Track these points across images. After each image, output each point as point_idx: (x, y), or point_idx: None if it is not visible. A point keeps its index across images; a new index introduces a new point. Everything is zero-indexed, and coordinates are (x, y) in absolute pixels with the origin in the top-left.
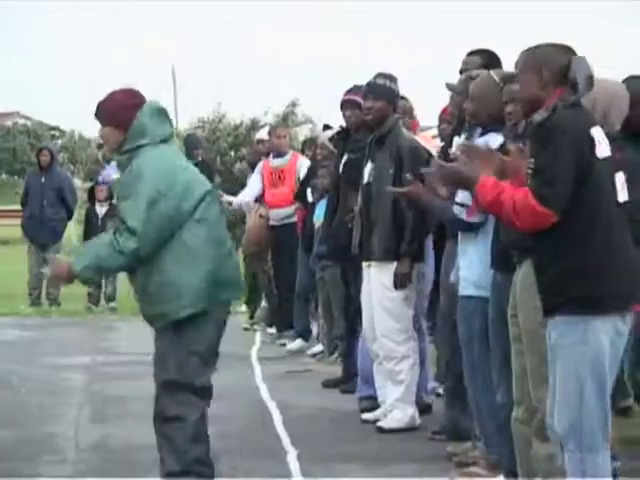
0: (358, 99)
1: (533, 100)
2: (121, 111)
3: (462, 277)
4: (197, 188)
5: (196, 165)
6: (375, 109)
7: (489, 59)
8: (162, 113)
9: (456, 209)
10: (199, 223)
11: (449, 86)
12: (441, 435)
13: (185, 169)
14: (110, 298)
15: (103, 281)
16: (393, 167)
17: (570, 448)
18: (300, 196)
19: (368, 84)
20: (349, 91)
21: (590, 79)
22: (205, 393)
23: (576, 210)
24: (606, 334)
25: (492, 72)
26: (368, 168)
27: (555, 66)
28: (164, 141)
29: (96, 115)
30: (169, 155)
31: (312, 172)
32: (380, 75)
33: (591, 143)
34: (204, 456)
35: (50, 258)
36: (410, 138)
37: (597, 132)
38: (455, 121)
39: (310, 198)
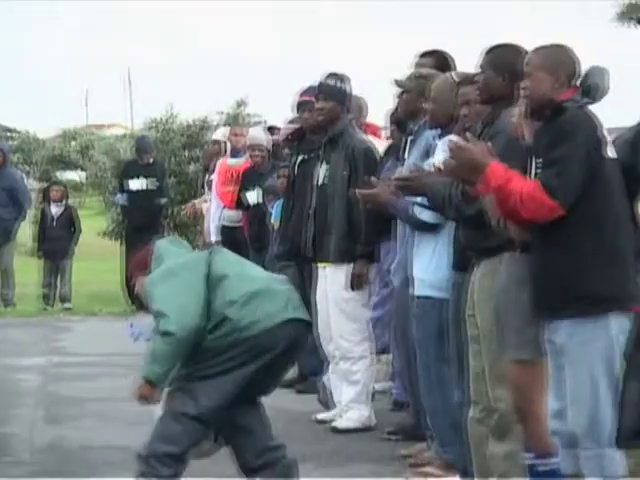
0: (313, 100)
1: (544, 100)
2: (144, 265)
3: (418, 278)
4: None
5: (147, 167)
6: (326, 110)
7: (441, 60)
8: (175, 242)
9: (416, 209)
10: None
11: (398, 83)
12: (397, 435)
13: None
14: (64, 299)
15: (58, 282)
16: (347, 168)
17: (588, 445)
18: (237, 200)
19: (319, 85)
20: (304, 92)
21: (607, 88)
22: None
23: (587, 209)
24: (613, 330)
25: (452, 73)
26: (322, 169)
27: (569, 68)
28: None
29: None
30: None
31: (249, 176)
32: (331, 75)
33: (601, 143)
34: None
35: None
36: (363, 139)
37: (605, 133)
38: (403, 118)
39: (249, 201)
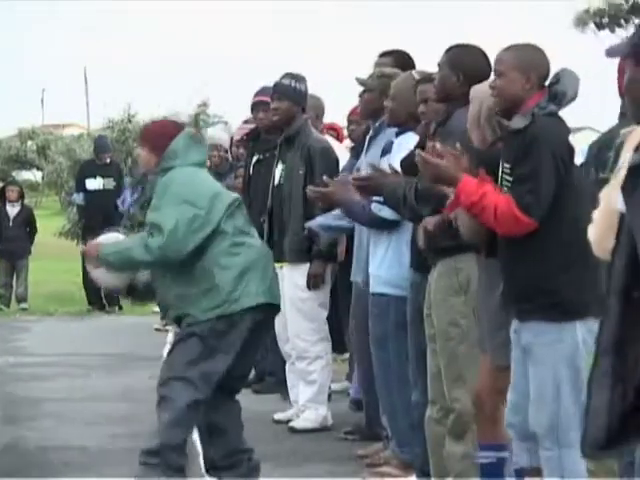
0: (268, 100)
1: (514, 100)
2: (160, 138)
3: (373, 274)
4: (224, 198)
5: (105, 167)
6: (281, 109)
7: (402, 60)
8: (196, 139)
9: (374, 207)
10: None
11: (359, 81)
12: (353, 435)
13: (212, 184)
14: (21, 299)
15: (14, 282)
16: (304, 167)
17: (548, 446)
18: None
19: (274, 84)
20: (259, 92)
21: (575, 95)
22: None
23: (557, 216)
24: (581, 331)
25: (413, 72)
26: (278, 169)
27: (541, 70)
28: (195, 165)
29: (143, 138)
30: (195, 173)
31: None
32: (287, 75)
33: (571, 151)
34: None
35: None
36: (320, 138)
37: (571, 140)
38: (364, 117)
39: None
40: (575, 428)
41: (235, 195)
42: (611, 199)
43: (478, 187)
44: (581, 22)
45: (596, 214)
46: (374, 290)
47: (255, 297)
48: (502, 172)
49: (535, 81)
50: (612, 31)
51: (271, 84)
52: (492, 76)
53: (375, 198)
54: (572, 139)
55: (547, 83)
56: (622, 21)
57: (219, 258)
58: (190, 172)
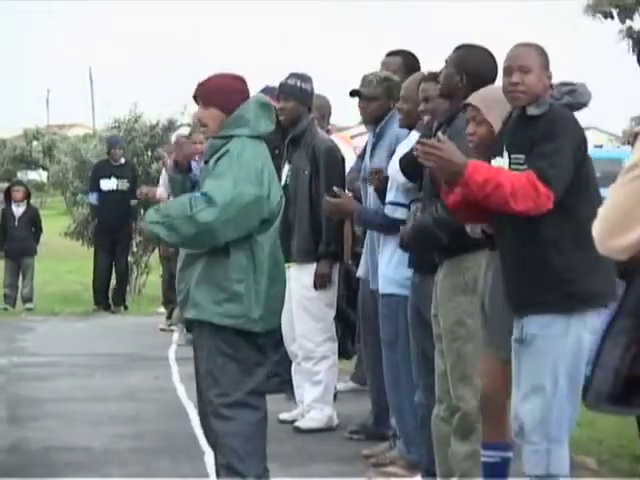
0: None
1: (538, 96)
2: (229, 95)
3: (382, 275)
4: (277, 195)
5: (119, 167)
6: (287, 110)
7: (408, 60)
8: (267, 108)
9: (388, 209)
10: (266, 235)
11: (362, 92)
12: (359, 435)
13: (271, 173)
14: (27, 299)
15: (20, 282)
16: (309, 167)
17: (535, 440)
18: None
19: (280, 85)
20: (260, 92)
21: (586, 102)
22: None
23: (564, 208)
24: (586, 330)
25: (423, 71)
26: (285, 169)
27: (549, 67)
28: (260, 137)
29: (198, 95)
30: (261, 154)
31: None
32: (292, 75)
33: (585, 141)
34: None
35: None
36: (325, 138)
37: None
38: (371, 124)
39: None
40: (565, 425)
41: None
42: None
43: (489, 167)
44: (591, 10)
45: (601, 211)
46: (384, 291)
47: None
48: (510, 164)
49: (544, 75)
50: (622, 22)
51: (272, 84)
52: (514, 72)
53: (388, 200)
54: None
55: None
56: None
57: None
58: (256, 151)
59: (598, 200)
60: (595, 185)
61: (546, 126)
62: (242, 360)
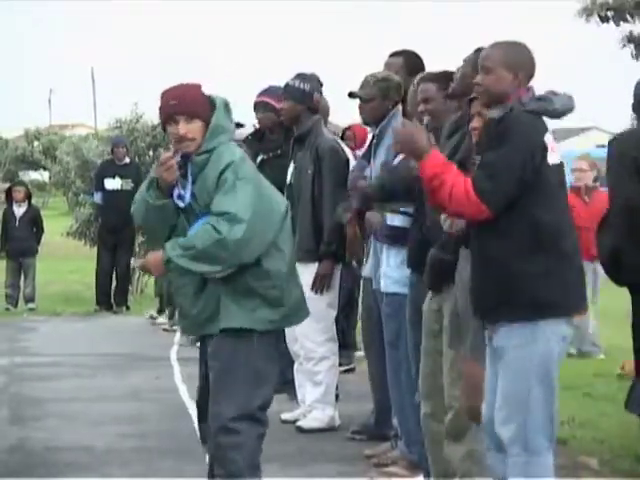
0: (269, 100)
1: (500, 97)
2: (205, 104)
3: (385, 275)
4: (280, 201)
5: (124, 167)
6: (285, 109)
7: (411, 60)
8: (230, 109)
9: (387, 217)
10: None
11: (358, 94)
12: (361, 435)
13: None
14: (29, 299)
15: (22, 282)
16: (312, 167)
17: (514, 452)
18: None
19: (284, 85)
20: (261, 93)
21: (564, 109)
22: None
23: (525, 215)
24: (553, 336)
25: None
26: (290, 169)
27: (528, 69)
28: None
29: (178, 111)
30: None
31: None
32: (295, 75)
33: (544, 150)
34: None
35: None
36: (330, 138)
37: (549, 139)
38: (371, 124)
39: None
40: (544, 435)
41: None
42: None
43: (443, 163)
44: (586, 12)
45: None
46: (387, 290)
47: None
48: (475, 164)
49: (522, 79)
50: (617, 25)
51: (274, 84)
52: (480, 72)
53: (392, 207)
54: (548, 138)
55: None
56: (627, 16)
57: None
58: (244, 155)
59: (563, 207)
60: (560, 192)
61: (497, 132)
62: (261, 371)
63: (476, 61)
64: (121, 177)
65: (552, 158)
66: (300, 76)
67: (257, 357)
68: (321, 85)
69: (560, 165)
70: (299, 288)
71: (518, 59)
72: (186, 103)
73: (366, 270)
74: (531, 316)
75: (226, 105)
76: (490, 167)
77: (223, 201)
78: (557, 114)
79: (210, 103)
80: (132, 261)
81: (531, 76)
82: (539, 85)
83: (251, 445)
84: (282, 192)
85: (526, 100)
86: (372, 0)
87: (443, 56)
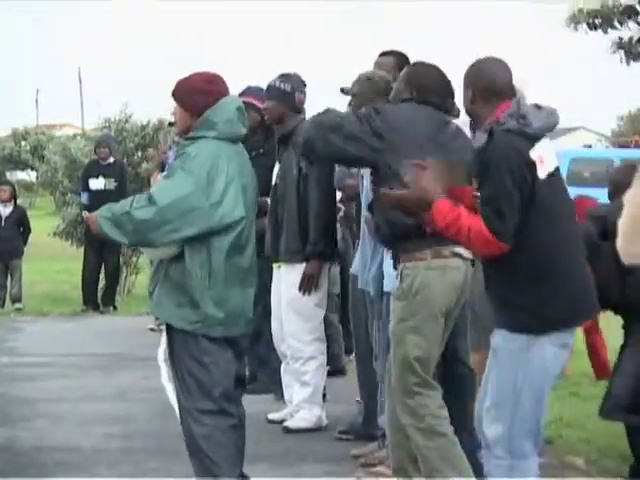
0: (252, 100)
1: (469, 114)
2: (191, 96)
3: (386, 273)
4: (236, 209)
5: (108, 167)
6: (269, 109)
7: (400, 60)
8: (241, 112)
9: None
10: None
11: (345, 90)
12: (348, 435)
13: (230, 178)
14: (15, 299)
15: (8, 282)
16: (297, 167)
17: (499, 454)
18: None
19: (266, 86)
20: (241, 93)
21: (544, 127)
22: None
23: (524, 235)
24: (551, 344)
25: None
26: (276, 169)
27: (480, 84)
28: (231, 140)
29: (172, 92)
30: (225, 156)
31: None
32: (278, 76)
33: (531, 167)
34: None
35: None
36: None
37: (536, 153)
38: None
39: None
40: (529, 439)
41: (243, 214)
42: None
43: (452, 209)
44: (574, 21)
45: (621, 221)
46: (386, 289)
47: None
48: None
49: (478, 95)
50: (605, 32)
51: (252, 85)
52: None
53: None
54: (535, 150)
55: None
56: (616, 23)
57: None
58: (216, 154)
59: (561, 218)
60: (557, 203)
61: (485, 164)
62: (209, 364)
63: (465, 76)
64: (105, 177)
65: (542, 171)
66: (282, 76)
67: (200, 351)
68: (304, 85)
69: (553, 176)
70: (241, 301)
71: (471, 76)
72: (176, 88)
73: (353, 267)
74: (533, 330)
75: (236, 107)
76: (493, 202)
77: (159, 184)
78: (532, 137)
79: (210, 98)
80: (84, 213)
81: (486, 90)
82: (537, 85)
83: (220, 437)
84: (267, 189)
85: (504, 119)
86: (374, 0)
87: (443, 56)
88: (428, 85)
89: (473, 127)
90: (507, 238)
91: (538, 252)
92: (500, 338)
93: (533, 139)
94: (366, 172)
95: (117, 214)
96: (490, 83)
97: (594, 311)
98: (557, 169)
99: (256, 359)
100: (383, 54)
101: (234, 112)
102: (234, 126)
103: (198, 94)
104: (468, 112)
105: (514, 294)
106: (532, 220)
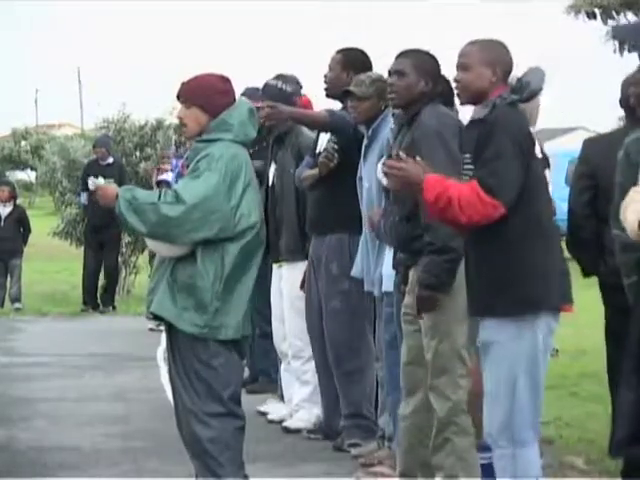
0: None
1: (479, 93)
2: (211, 95)
3: (385, 274)
4: (252, 213)
5: (106, 167)
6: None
7: (357, 57)
8: (253, 115)
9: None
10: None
11: (355, 92)
12: (316, 435)
13: (247, 181)
14: (15, 299)
15: (8, 282)
16: (294, 166)
17: (502, 444)
18: None
19: (263, 85)
20: (241, 94)
21: (539, 87)
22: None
23: (517, 209)
24: (540, 331)
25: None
26: (272, 169)
27: (506, 65)
28: (242, 143)
29: (180, 94)
30: (241, 160)
31: None
32: (276, 76)
33: (531, 142)
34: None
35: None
36: (310, 135)
37: (533, 132)
38: (363, 124)
39: None
40: (530, 427)
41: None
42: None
43: (440, 181)
44: (574, 9)
45: (629, 199)
46: (386, 289)
47: None
48: (462, 163)
49: (500, 75)
50: (604, 23)
51: (248, 86)
52: (457, 70)
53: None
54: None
55: (515, 80)
56: (614, 13)
57: None
58: (239, 159)
59: (547, 200)
60: (544, 185)
61: (487, 131)
62: (218, 367)
63: (484, 55)
64: (104, 177)
65: (537, 151)
66: (280, 77)
67: (207, 353)
68: (300, 87)
69: (542, 159)
70: (242, 305)
71: (496, 55)
72: (187, 88)
73: (355, 270)
74: (520, 311)
75: (248, 109)
76: (489, 163)
77: (184, 182)
78: (535, 94)
79: (228, 99)
80: (90, 181)
81: (509, 72)
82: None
83: (228, 439)
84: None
85: (506, 95)
86: (376, 1)
87: (443, 56)
88: (438, 73)
89: (401, 121)
90: (504, 195)
91: (534, 225)
92: (489, 331)
93: (535, 95)
94: (365, 174)
95: (141, 201)
96: (511, 64)
97: (570, 299)
98: (544, 158)
99: (258, 360)
100: (339, 52)
101: (247, 114)
102: (247, 129)
103: (218, 94)
104: (478, 90)
105: (503, 271)
106: (527, 194)
